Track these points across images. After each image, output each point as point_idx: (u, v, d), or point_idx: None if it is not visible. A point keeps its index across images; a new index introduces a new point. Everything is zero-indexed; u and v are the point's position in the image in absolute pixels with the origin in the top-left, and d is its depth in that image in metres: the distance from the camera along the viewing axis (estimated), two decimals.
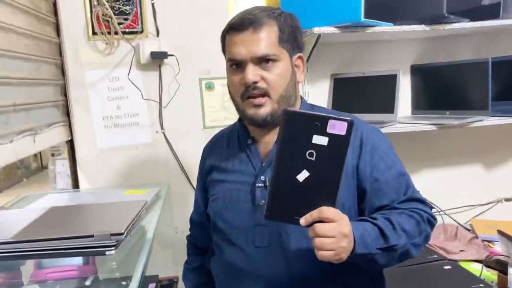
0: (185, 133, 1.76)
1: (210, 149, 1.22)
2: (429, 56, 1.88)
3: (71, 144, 1.71)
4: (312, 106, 1.15)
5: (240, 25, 0.99)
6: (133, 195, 1.41)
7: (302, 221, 0.78)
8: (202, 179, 1.22)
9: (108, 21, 1.63)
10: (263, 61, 0.98)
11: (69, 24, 1.64)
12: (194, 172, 1.76)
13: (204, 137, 1.77)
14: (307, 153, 0.74)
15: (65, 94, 1.68)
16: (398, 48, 1.87)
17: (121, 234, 0.90)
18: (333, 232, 0.78)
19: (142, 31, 1.68)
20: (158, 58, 1.65)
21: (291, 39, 1.03)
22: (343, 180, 0.84)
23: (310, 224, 0.78)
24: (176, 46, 1.70)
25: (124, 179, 1.74)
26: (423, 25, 1.58)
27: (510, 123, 1.67)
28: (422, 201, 1.01)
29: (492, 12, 1.60)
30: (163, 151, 1.76)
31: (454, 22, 1.58)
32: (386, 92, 1.69)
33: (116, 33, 1.64)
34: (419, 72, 1.87)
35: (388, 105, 1.67)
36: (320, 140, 0.73)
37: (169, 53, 1.67)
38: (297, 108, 1.09)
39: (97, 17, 1.62)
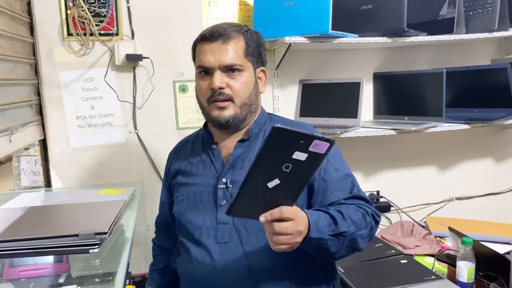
0: (158, 134, 1.80)
1: (176, 154, 1.30)
2: (390, 65, 2.00)
3: (43, 143, 1.72)
4: (270, 116, 1.24)
5: (210, 36, 1.09)
6: (108, 195, 1.44)
7: (262, 219, 0.84)
8: (167, 183, 1.29)
9: (83, 22, 1.65)
10: (229, 69, 1.08)
11: (44, 24, 1.65)
12: None
13: (177, 138, 1.79)
14: (284, 165, 0.77)
15: (38, 93, 1.68)
16: (362, 57, 1.98)
17: (105, 233, 0.95)
18: (290, 230, 0.86)
19: (117, 34, 1.70)
20: (134, 60, 1.69)
21: (256, 53, 1.14)
22: None
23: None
24: (151, 49, 1.74)
25: (97, 178, 1.76)
26: (385, 37, 1.69)
27: (461, 129, 1.81)
28: (366, 199, 1.10)
29: (447, 27, 1.73)
30: (136, 151, 1.79)
31: (413, 36, 1.71)
32: (350, 98, 1.79)
33: (91, 34, 1.66)
34: (380, 80, 1.98)
35: (352, 111, 1.78)
36: (299, 156, 0.76)
37: (144, 55, 1.71)
38: (256, 116, 1.18)
39: (73, 18, 1.63)
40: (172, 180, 1.25)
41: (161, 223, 1.36)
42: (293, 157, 0.76)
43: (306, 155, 0.76)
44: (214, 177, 1.13)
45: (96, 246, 0.94)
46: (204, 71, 1.11)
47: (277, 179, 0.79)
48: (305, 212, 0.91)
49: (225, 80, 1.08)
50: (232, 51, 1.08)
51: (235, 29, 1.11)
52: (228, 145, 1.16)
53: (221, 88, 1.07)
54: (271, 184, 0.80)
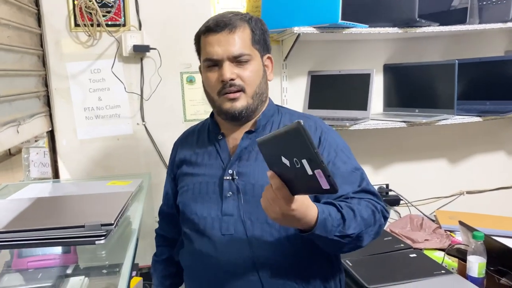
0: (166, 126, 1.79)
1: (181, 144, 1.27)
2: (401, 56, 1.97)
3: (51, 134, 1.72)
4: (278, 107, 1.22)
5: (215, 26, 1.06)
6: (116, 186, 1.44)
7: (269, 173, 0.80)
8: (172, 172, 1.27)
9: (90, 13, 1.64)
10: (238, 59, 1.06)
11: (51, 15, 1.64)
12: None
13: (185, 130, 1.80)
14: (294, 159, 0.73)
15: (46, 84, 1.68)
16: (372, 48, 1.95)
17: (111, 224, 0.95)
18: (279, 210, 0.82)
19: (124, 24, 1.69)
20: (140, 51, 1.68)
21: (262, 41, 1.11)
22: None
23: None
24: (158, 40, 1.73)
25: (105, 170, 1.76)
26: (396, 27, 1.66)
27: (473, 122, 1.78)
28: (375, 194, 1.06)
29: (460, 17, 1.69)
30: (144, 143, 1.79)
31: (424, 26, 1.67)
32: (360, 90, 1.77)
33: (98, 25, 1.65)
34: (391, 71, 1.95)
35: (361, 103, 1.76)
36: (307, 166, 0.72)
37: (151, 46, 1.70)
38: (264, 107, 1.16)
39: (80, 9, 1.62)
40: (177, 170, 1.23)
41: (165, 213, 1.35)
42: (302, 160, 0.72)
43: (312, 173, 0.71)
44: (220, 168, 1.12)
45: (102, 238, 0.94)
46: (212, 64, 1.08)
47: (288, 161, 0.75)
48: (316, 206, 0.88)
49: (234, 71, 1.06)
50: (239, 41, 1.06)
51: (240, 18, 1.08)
52: (235, 136, 1.15)
53: (231, 79, 1.05)
54: (284, 160, 0.76)
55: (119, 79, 1.69)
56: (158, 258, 1.37)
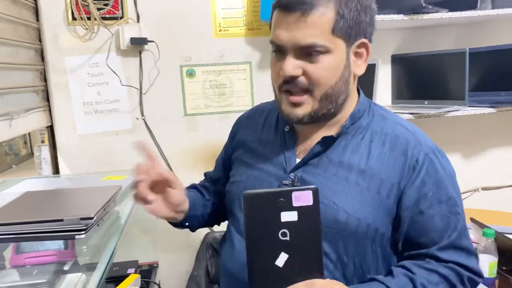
0: (165, 120, 1.76)
1: (246, 122, 1.09)
2: (410, 46, 1.88)
3: (51, 129, 1.71)
4: (370, 104, 0.97)
5: (287, 3, 0.81)
6: (110, 181, 1.41)
7: None
8: (229, 148, 1.10)
9: (87, 6, 1.62)
10: (307, 52, 0.82)
11: (49, 9, 1.63)
12: (174, 158, 1.77)
13: (185, 124, 1.77)
14: (280, 233, 0.68)
15: (45, 79, 1.67)
16: (379, 38, 1.83)
17: (91, 218, 0.91)
18: None
19: (122, 17, 1.66)
20: (138, 44, 1.65)
21: (354, 24, 0.83)
22: (372, 196, 0.81)
23: None
24: (157, 32, 1.69)
25: (104, 165, 1.74)
26: (401, 14, 1.58)
27: (486, 113, 1.68)
28: (468, 251, 0.85)
29: (470, 3, 1.60)
30: (143, 138, 1.76)
31: (432, 12, 1.59)
32: (365, 81, 1.69)
33: (96, 18, 1.63)
34: (399, 62, 1.87)
35: (366, 94, 1.67)
36: (289, 216, 0.68)
37: (149, 39, 1.66)
38: (352, 108, 0.93)
39: (76, 2, 1.60)
40: (232, 152, 1.06)
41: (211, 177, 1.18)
42: (282, 220, 0.67)
43: (296, 212, 0.67)
44: (281, 167, 0.93)
45: (83, 232, 0.91)
46: (278, 50, 0.86)
47: (282, 253, 0.68)
48: None
49: (300, 66, 0.83)
50: (313, 27, 0.80)
51: None
52: (309, 135, 0.93)
53: (293, 77, 0.83)
54: (280, 262, 0.68)
55: (114, 72, 1.67)
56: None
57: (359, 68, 0.90)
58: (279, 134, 0.97)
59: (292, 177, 0.90)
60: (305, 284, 0.69)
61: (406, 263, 0.84)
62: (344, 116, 0.91)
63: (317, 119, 0.87)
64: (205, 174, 1.21)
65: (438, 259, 0.83)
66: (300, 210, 0.68)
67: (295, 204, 0.67)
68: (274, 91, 0.91)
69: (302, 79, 0.83)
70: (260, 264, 0.69)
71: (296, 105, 0.85)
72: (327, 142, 0.89)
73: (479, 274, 0.85)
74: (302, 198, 0.67)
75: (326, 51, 0.81)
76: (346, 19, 0.82)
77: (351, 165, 0.87)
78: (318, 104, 0.85)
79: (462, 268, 0.83)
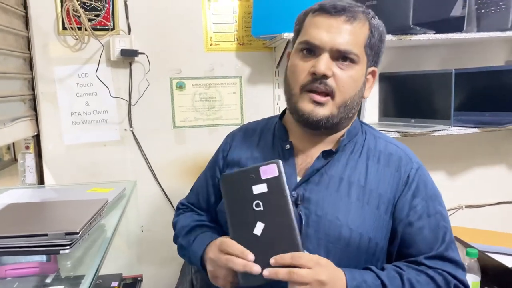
0: (154, 132, 1.75)
1: (239, 141, 1.08)
2: (397, 65, 1.92)
3: (37, 139, 1.69)
4: (362, 125, 1.03)
5: (332, 8, 0.87)
6: (96, 193, 1.40)
7: (272, 261, 0.74)
8: (218, 167, 1.09)
9: (79, 16, 1.61)
10: (341, 57, 0.87)
11: (39, 18, 1.61)
12: (162, 171, 1.77)
13: (173, 137, 1.77)
14: (254, 204, 0.78)
15: (33, 88, 1.65)
16: None
17: (76, 233, 0.90)
18: (308, 278, 0.73)
19: (113, 28, 1.66)
20: (129, 56, 1.64)
21: (376, 48, 0.93)
22: (372, 211, 0.86)
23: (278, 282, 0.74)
24: (148, 45, 1.69)
25: (91, 176, 1.72)
26: (390, 35, 1.61)
27: (470, 133, 1.71)
28: (455, 262, 0.88)
29: (457, 26, 1.64)
30: (131, 150, 1.75)
31: (420, 33, 1.62)
32: None
33: (86, 29, 1.62)
34: (387, 80, 1.90)
35: None
36: (260, 188, 0.78)
37: (140, 51, 1.66)
38: (350, 125, 0.98)
39: (67, 12, 1.60)
40: (226, 169, 1.05)
41: (190, 205, 1.15)
42: (255, 192, 0.78)
43: (265, 184, 0.78)
44: None
45: (67, 247, 0.90)
46: (309, 50, 0.89)
47: (258, 222, 0.78)
48: (343, 271, 0.79)
49: (332, 68, 0.86)
50: (353, 35, 0.86)
51: (362, 11, 0.90)
52: (306, 150, 0.96)
53: (325, 76, 0.86)
54: (258, 231, 0.77)
55: (104, 84, 1.66)
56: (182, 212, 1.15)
57: (367, 91, 0.96)
58: (276, 152, 0.99)
59: (294, 195, 0.91)
60: (292, 256, 0.74)
61: (397, 262, 0.89)
62: (341, 132, 0.96)
63: (330, 126, 0.90)
64: (186, 204, 1.17)
65: (426, 266, 0.87)
66: (268, 181, 0.78)
67: (263, 177, 0.78)
68: (290, 93, 0.92)
69: (331, 81, 0.87)
70: (241, 235, 0.78)
71: (319, 104, 0.88)
72: (327, 157, 0.93)
73: (466, 284, 0.88)
74: (269, 171, 0.78)
75: (357, 61, 0.88)
76: (373, 42, 0.91)
77: (351, 182, 0.91)
78: (336, 111, 0.89)
79: (449, 275, 0.86)
